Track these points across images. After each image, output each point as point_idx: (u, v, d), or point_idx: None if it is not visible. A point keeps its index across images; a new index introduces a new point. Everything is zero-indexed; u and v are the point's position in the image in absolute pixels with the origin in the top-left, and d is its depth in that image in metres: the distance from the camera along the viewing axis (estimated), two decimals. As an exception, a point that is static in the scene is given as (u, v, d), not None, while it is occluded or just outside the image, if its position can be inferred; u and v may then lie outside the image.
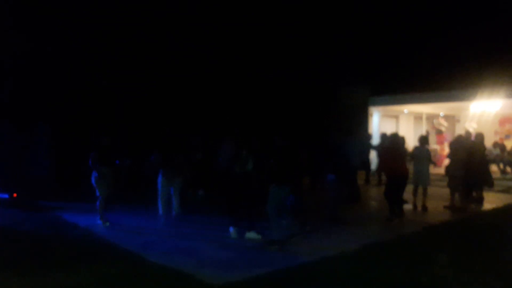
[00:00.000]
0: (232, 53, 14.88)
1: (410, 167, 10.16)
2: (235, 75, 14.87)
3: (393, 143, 9.05)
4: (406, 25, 22.72)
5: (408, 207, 9.97)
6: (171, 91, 13.05)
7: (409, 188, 9.93)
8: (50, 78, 11.35)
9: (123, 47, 12.41)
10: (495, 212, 10.03)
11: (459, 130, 23.23)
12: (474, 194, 10.88)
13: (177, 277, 5.39)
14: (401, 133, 22.04)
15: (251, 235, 7.23)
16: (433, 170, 12.14)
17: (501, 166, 17.71)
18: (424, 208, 9.81)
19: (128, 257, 6.23)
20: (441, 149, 21.42)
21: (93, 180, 8.10)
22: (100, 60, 12.03)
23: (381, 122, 20.99)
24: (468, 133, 11.24)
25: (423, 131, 22.13)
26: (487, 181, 10.87)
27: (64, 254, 6.37)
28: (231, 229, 7.41)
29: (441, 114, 22.85)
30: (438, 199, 10.99)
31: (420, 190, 9.92)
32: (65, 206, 9.73)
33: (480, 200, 10.74)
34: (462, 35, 21.28)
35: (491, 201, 11.11)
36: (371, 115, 20.88)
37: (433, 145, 22.57)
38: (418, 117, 23.34)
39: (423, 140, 10.09)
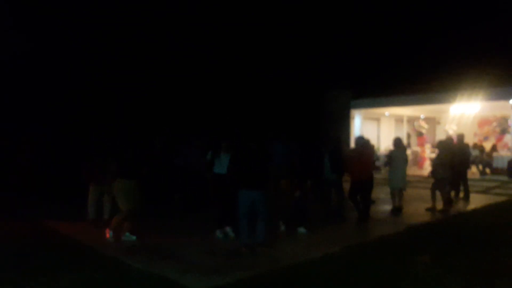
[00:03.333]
0: (214, 57, 14.88)
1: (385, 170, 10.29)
2: (218, 78, 14.87)
3: (358, 146, 9.11)
4: (387, 30, 23.01)
5: (387, 208, 10.23)
6: (154, 92, 13.00)
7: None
8: (35, 80, 11.19)
9: (116, 46, 12.30)
10: (474, 213, 10.19)
11: (440, 132, 23.69)
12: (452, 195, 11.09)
13: (161, 283, 5.35)
14: (383, 135, 22.39)
15: (228, 231, 7.59)
16: (416, 172, 12.29)
17: (480, 167, 18.02)
18: (399, 209, 9.87)
19: (111, 263, 6.16)
20: (422, 151, 21.72)
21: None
22: (86, 60, 11.91)
23: (362, 124, 21.19)
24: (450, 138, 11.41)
25: (404, 133, 22.43)
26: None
27: (45, 260, 6.27)
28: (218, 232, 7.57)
29: (422, 116, 23.17)
30: (420, 200, 11.14)
31: (397, 192, 10.02)
32: (46, 213, 9.50)
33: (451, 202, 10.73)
34: (442, 40, 21.65)
35: (470, 202, 11.28)
36: (353, 118, 21.08)
37: (414, 147, 22.89)
38: (399, 120, 23.63)
39: (399, 143, 10.18)
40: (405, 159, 10.11)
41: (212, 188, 7.86)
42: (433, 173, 10.37)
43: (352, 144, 14.99)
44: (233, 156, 7.21)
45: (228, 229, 7.64)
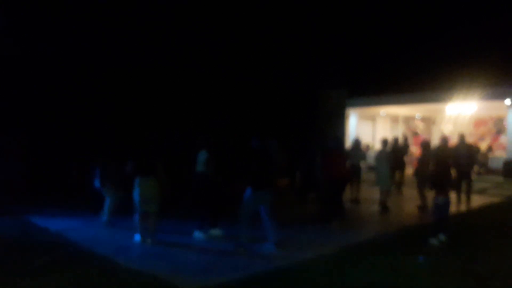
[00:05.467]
0: (211, 57, 14.78)
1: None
2: (214, 79, 14.77)
3: (334, 146, 9.02)
4: (383, 29, 22.98)
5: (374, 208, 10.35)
6: (141, 95, 12.89)
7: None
8: (22, 81, 11.04)
9: (101, 46, 12.18)
10: (469, 213, 10.16)
11: (435, 132, 23.70)
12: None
13: (152, 282, 5.26)
14: (378, 135, 22.41)
15: (215, 232, 7.49)
16: (411, 171, 12.24)
17: (476, 168, 18.00)
18: (385, 207, 10.02)
19: (102, 262, 6.06)
20: (418, 151, 21.71)
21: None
22: (77, 61, 11.79)
23: (358, 124, 21.16)
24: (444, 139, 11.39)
25: (399, 133, 22.42)
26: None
27: (34, 259, 6.14)
28: (196, 233, 7.44)
29: (417, 116, 23.17)
30: (414, 200, 11.07)
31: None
32: (35, 211, 9.39)
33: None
34: (439, 39, 21.62)
35: (466, 202, 11.25)
36: (349, 117, 21.04)
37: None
38: (394, 119, 23.62)
39: (384, 143, 10.54)
40: (387, 159, 10.26)
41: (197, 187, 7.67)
42: (416, 172, 10.71)
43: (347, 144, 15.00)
44: (245, 158, 7.05)
45: (215, 230, 7.53)
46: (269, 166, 6.80)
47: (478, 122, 22.28)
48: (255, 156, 6.79)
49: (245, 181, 6.73)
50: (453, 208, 10.47)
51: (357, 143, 11.57)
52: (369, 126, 23.20)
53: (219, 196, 7.66)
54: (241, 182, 6.86)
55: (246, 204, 6.63)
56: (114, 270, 5.72)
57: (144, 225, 7.05)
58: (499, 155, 18.60)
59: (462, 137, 11.70)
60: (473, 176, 11.96)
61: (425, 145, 10.61)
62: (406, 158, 13.92)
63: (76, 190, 9.23)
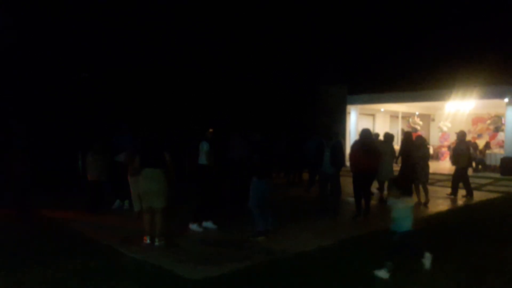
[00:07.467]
0: (213, 52, 14.87)
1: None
2: (217, 74, 14.87)
3: (361, 139, 9.12)
4: (383, 27, 23.05)
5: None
6: (147, 89, 13.01)
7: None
8: (26, 74, 11.15)
9: (102, 41, 12.28)
10: (466, 209, 10.29)
11: (434, 129, 23.82)
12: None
13: (156, 272, 5.40)
14: (377, 130, 22.53)
15: (208, 224, 7.60)
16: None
17: (474, 164, 18.14)
18: (384, 201, 10.15)
19: (106, 252, 6.22)
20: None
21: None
22: (79, 56, 11.90)
23: (358, 120, 21.27)
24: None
25: (398, 130, 22.56)
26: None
27: (41, 249, 6.33)
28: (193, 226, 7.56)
29: (417, 113, 23.28)
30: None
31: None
32: (42, 202, 9.57)
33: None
34: (438, 38, 21.71)
35: (463, 198, 11.39)
36: (349, 113, 21.15)
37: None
38: (394, 116, 23.72)
39: (388, 137, 10.71)
40: (390, 153, 10.43)
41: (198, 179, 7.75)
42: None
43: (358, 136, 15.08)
44: (252, 148, 7.26)
45: (208, 223, 7.63)
46: (270, 157, 7.16)
47: (476, 120, 22.39)
48: (258, 148, 7.04)
49: (250, 171, 6.96)
50: (448, 204, 10.69)
51: None
52: (369, 122, 23.32)
53: (216, 188, 7.80)
54: (245, 173, 7.11)
55: (254, 194, 6.86)
56: (118, 260, 5.88)
57: (150, 224, 6.58)
58: (497, 152, 18.73)
59: (462, 135, 11.67)
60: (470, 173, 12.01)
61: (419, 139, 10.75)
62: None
63: (81, 181, 9.39)
